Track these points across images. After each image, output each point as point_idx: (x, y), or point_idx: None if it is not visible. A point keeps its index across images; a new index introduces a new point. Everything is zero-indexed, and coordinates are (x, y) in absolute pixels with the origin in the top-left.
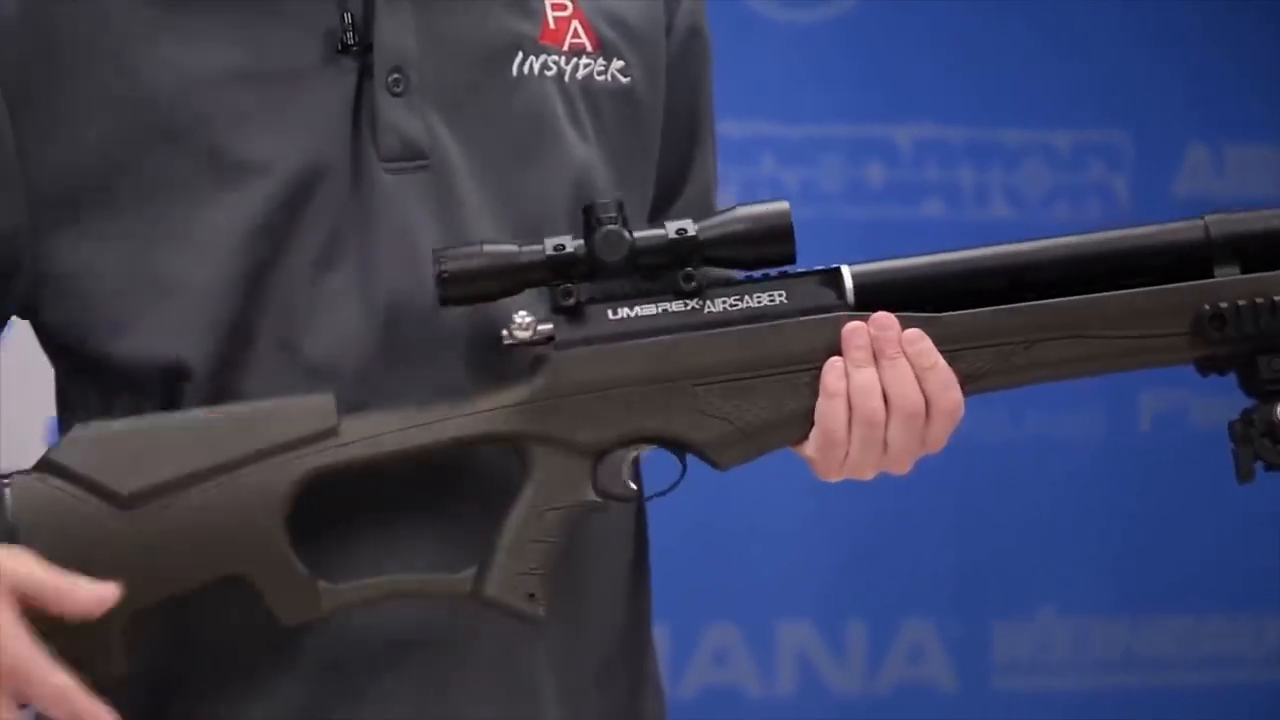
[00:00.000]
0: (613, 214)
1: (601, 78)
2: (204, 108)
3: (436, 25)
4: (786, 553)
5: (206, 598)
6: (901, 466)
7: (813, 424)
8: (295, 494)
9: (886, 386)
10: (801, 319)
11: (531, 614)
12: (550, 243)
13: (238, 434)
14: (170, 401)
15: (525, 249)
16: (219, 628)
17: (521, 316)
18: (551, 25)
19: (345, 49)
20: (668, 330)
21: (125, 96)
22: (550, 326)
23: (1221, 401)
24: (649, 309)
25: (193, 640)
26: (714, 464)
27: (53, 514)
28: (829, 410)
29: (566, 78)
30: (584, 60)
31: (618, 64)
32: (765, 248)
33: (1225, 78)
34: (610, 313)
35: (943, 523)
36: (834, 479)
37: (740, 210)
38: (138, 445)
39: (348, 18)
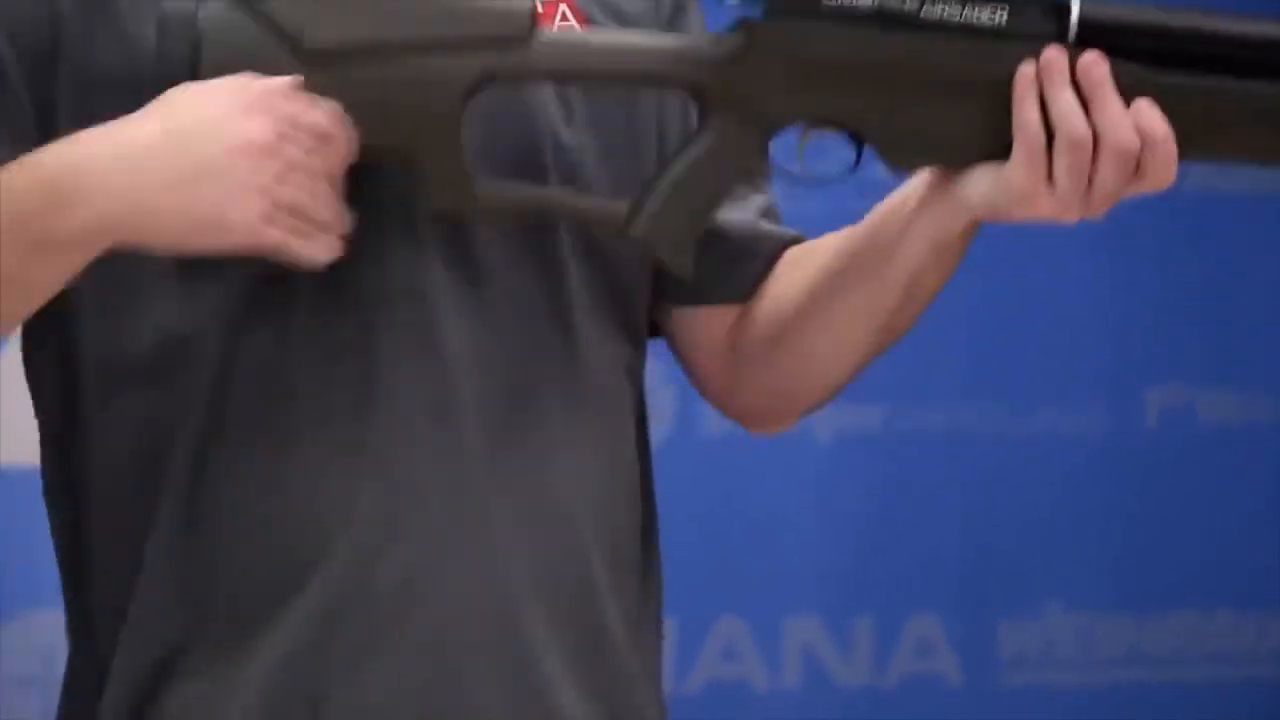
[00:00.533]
0: None
1: None
2: None
3: None
4: (794, 548)
5: (216, 562)
6: (1103, 208)
7: (997, 152)
8: (473, 90)
9: (1099, 126)
10: (1012, 45)
11: (675, 264)
12: None
13: (436, 17)
14: (185, 387)
15: None
16: (221, 598)
17: None
18: (539, 8)
19: None
20: (881, 22)
21: (139, 73)
22: None
23: (1228, 399)
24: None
25: (196, 614)
26: (888, 163)
27: (237, 45)
28: (1025, 119)
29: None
30: None
31: None
32: None
33: None
34: None
35: (948, 518)
36: (1038, 214)
37: None
38: (334, 2)
39: None
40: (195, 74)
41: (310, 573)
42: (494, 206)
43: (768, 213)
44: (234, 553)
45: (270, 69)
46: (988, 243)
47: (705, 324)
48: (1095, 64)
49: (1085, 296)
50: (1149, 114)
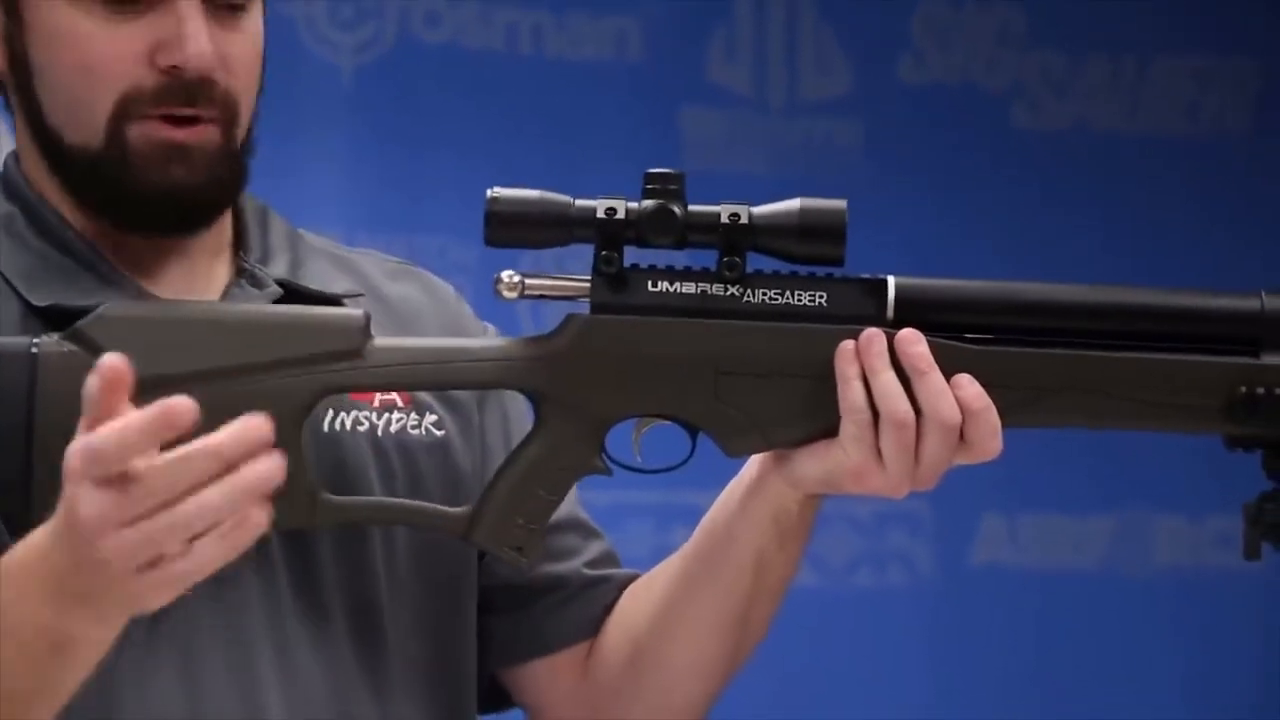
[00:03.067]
0: (673, 186)
1: (415, 432)
2: None
3: None
4: None
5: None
6: (933, 481)
7: (828, 430)
8: (311, 405)
9: (921, 401)
10: (832, 327)
11: (517, 563)
12: (603, 204)
13: (265, 338)
14: None
15: (578, 204)
16: None
17: (509, 275)
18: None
19: None
20: (704, 313)
21: None
22: (518, 280)
23: None
24: (689, 287)
25: None
26: (724, 450)
27: (70, 382)
28: (850, 400)
29: (380, 432)
30: (395, 415)
31: (430, 418)
32: (815, 245)
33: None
34: (650, 284)
35: None
36: (870, 490)
37: (797, 201)
38: (164, 332)
39: None
40: (31, 407)
41: None
42: (336, 519)
43: (608, 557)
44: None
45: None
46: None
47: (557, 674)
48: (911, 341)
49: None
50: (968, 387)
